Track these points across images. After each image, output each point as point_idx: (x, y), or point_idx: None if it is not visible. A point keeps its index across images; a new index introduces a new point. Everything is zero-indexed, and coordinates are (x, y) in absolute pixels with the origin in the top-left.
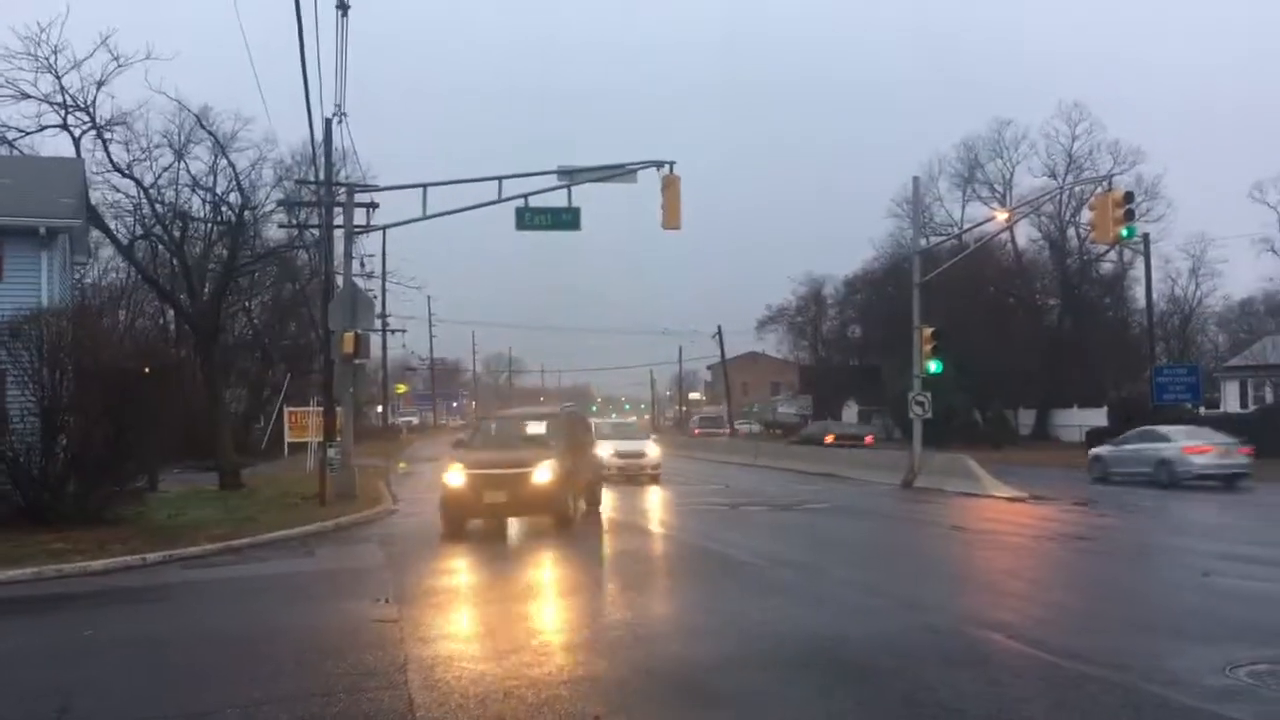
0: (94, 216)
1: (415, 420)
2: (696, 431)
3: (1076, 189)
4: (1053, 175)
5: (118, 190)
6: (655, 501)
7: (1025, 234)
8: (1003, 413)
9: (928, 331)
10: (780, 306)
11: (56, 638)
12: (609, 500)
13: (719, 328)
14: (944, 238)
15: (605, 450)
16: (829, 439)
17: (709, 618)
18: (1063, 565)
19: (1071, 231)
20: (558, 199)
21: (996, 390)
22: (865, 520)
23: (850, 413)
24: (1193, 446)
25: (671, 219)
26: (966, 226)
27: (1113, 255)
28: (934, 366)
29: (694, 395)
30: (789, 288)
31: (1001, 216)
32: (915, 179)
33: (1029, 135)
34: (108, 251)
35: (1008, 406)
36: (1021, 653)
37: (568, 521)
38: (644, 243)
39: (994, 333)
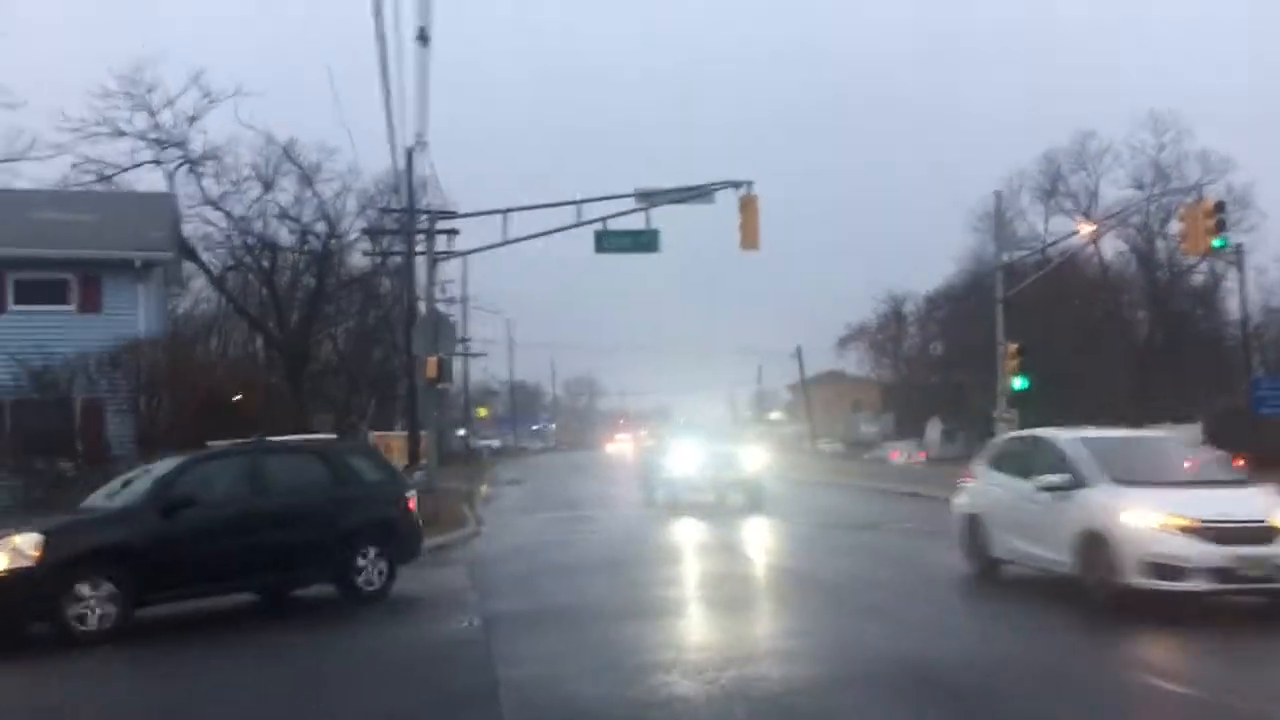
0: (186, 249)
1: (496, 443)
2: None
3: (1164, 199)
4: (1139, 186)
5: (209, 223)
6: (737, 522)
7: (1112, 247)
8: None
9: (1012, 347)
10: (860, 324)
11: (155, 667)
12: (685, 522)
13: (798, 347)
14: (1027, 252)
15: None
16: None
17: (799, 640)
18: None
19: (1160, 243)
20: (636, 221)
21: (1084, 407)
22: (949, 542)
23: (934, 429)
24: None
25: (750, 239)
26: (1050, 240)
27: (1204, 267)
28: (1019, 383)
29: (774, 415)
30: (869, 305)
31: (1086, 229)
32: (996, 193)
33: (1113, 146)
34: (199, 282)
35: (1093, 421)
36: (1148, 685)
37: None
38: (723, 264)
39: (1081, 348)
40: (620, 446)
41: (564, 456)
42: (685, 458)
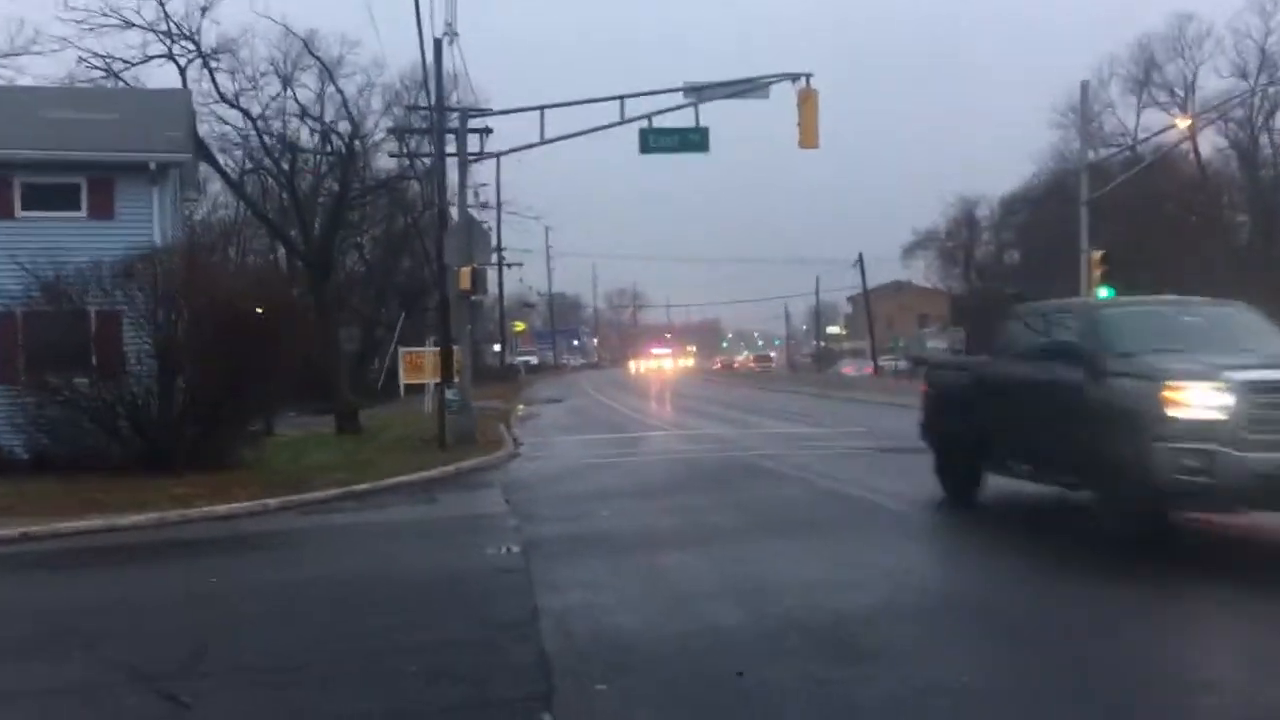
0: (203, 150)
1: (534, 359)
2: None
3: (1271, 90)
4: (1243, 76)
5: (225, 122)
6: (794, 444)
7: (1210, 143)
8: None
9: (1096, 255)
10: (928, 230)
11: (183, 584)
12: (735, 442)
13: (859, 255)
14: (1115, 149)
15: None
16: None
17: (857, 571)
18: None
19: (1265, 139)
20: (684, 119)
21: None
22: None
23: None
24: None
25: (808, 137)
26: (1142, 137)
27: None
28: (1103, 294)
29: (832, 329)
30: (938, 209)
31: (1183, 124)
32: (1083, 84)
33: (1214, 31)
34: (216, 186)
35: None
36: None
37: None
38: (778, 165)
39: (1174, 255)
40: (657, 362)
41: (605, 374)
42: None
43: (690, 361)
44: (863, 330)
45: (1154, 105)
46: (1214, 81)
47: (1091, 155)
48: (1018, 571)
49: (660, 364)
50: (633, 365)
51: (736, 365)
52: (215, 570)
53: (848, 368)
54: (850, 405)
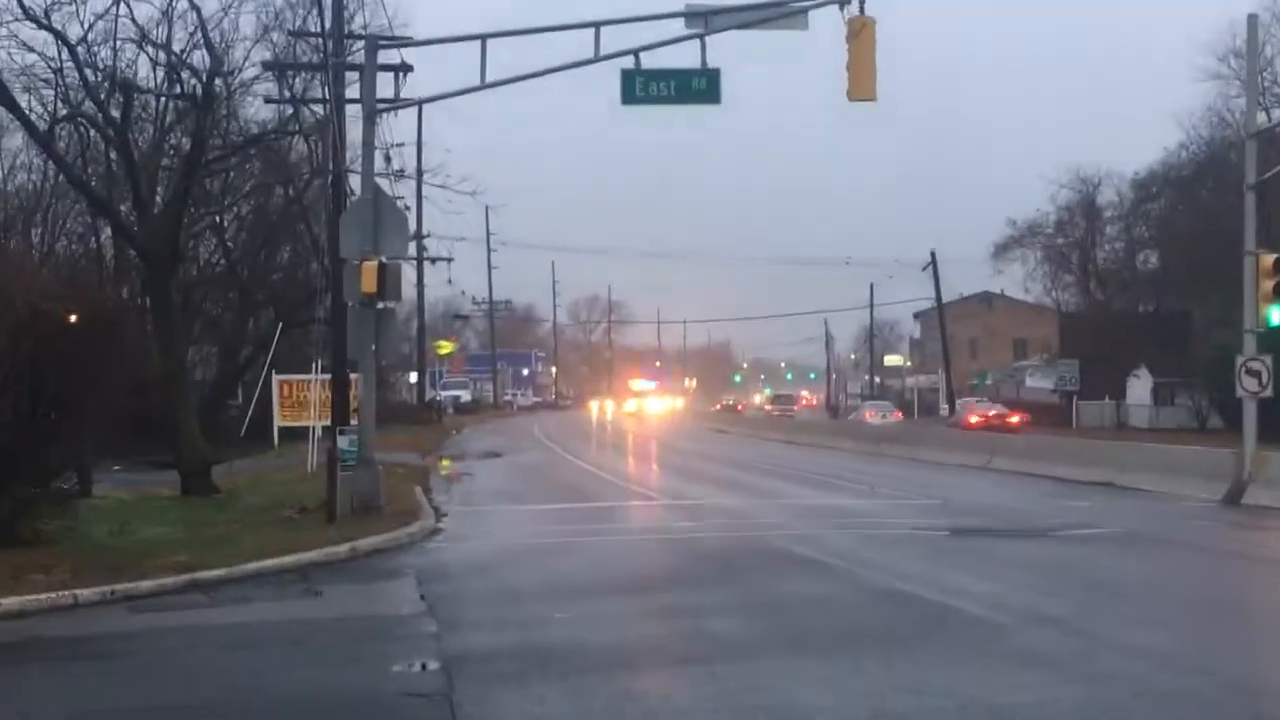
0: None
1: (466, 395)
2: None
3: None
4: None
5: (30, 49)
6: (832, 521)
7: None
8: None
9: (1268, 260)
10: (1030, 223)
11: None
12: (750, 516)
13: (932, 254)
14: None
15: None
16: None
17: (921, 700)
18: None
19: None
20: (685, 56)
21: None
22: (1164, 556)
23: (1141, 386)
24: None
25: (861, 84)
26: None
27: None
28: (1278, 315)
29: (892, 359)
30: (1044, 193)
31: None
32: (1251, 18)
33: None
34: (15, 140)
35: None
36: None
37: None
38: (818, 127)
39: None
40: (642, 401)
41: (567, 416)
42: None
43: (681, 402)
44: (934, 360)
45: None
46: None
47: (1262, 118)
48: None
49: (641, 404)
50: (595, 405)
51: (740, 408)
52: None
53: (869, 412)
54: (913, 468)
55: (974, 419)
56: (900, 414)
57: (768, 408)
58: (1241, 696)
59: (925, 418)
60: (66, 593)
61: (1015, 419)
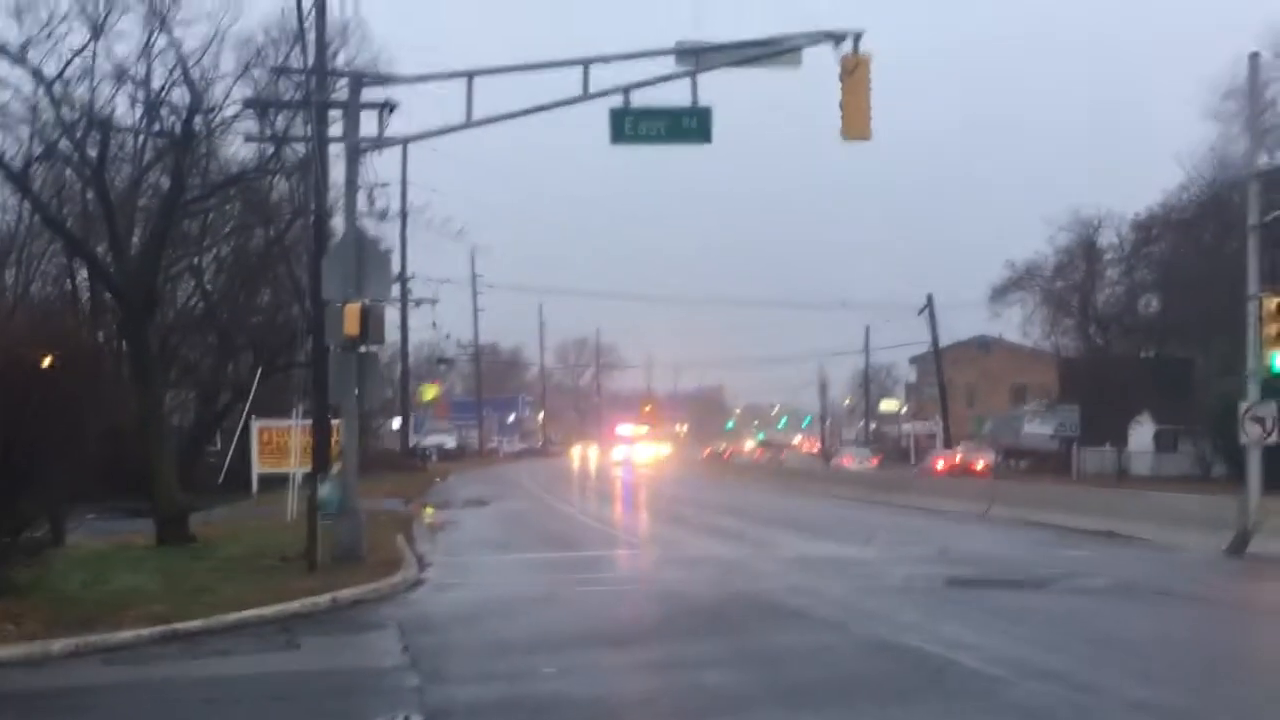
0: None
1: (451, 442)
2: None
3: None
4: None
5: (4, 86)
6: (827, 571)
7: None
8: None
9: (1272, 303)
10: (1029, 265)
11: None
12: (743, 566)
13: (929, 298)
14: None
15: None
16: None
17: None
18: None
19: None
20: (677, 95)
21: None
22: (1167, 608)
23: (1143, 433)
24: None
25: (855, 123)
26: None
27: None
28: None
29: (888, 404)
30: (1043, 235)
31: None
32: (1252, 57)
33: None
34: None
35: None
36: None
37: None
38: (811, 167)
39: None
40: (632, 447)
41: (553, 463)
42: None
43: (667, 447)
44: (931, 406)
45: None
46: None
47: (1264, 158)
48: None
49: (630, 450)
50: (579, 452)
51: (727, 455)
52: None
53: (847, 457)
54: (910, 515)
55: (940, 465)
56: (877, 460)
57: (756, 454)
58: None
59: (919, 464)
60: (38, 644)
61: (980, 465)
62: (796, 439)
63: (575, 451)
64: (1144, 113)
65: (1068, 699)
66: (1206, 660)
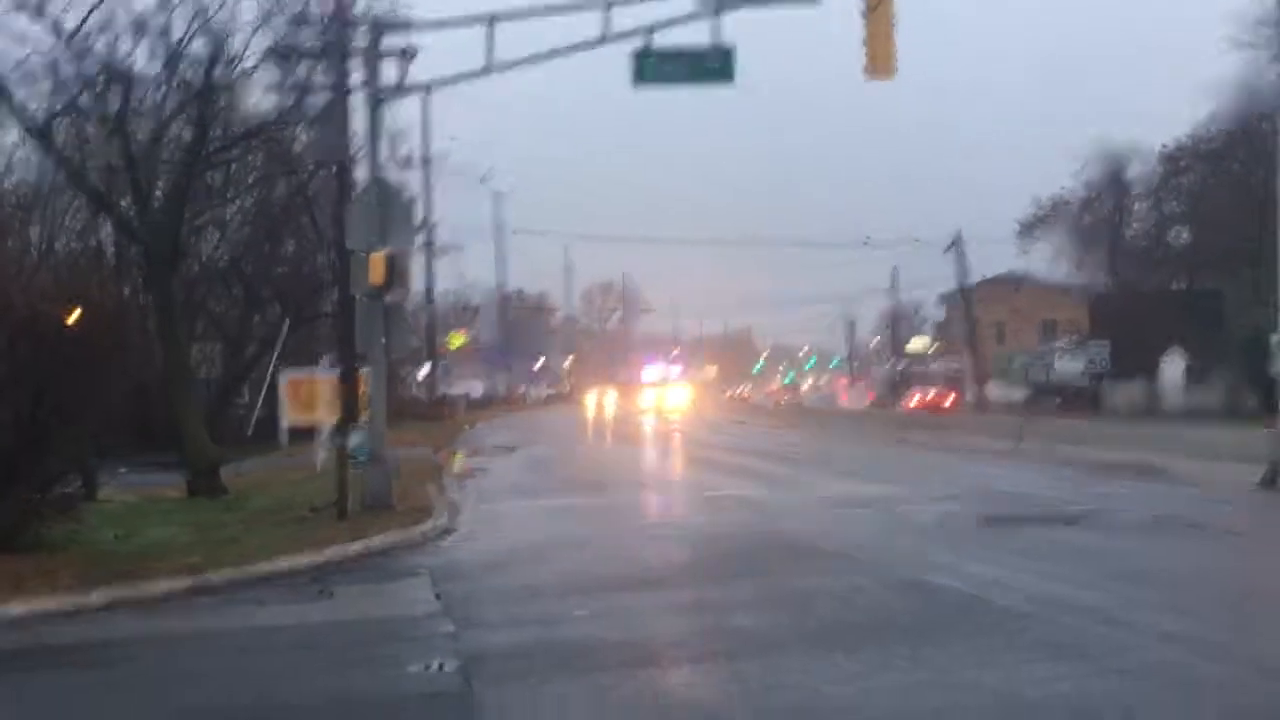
0: None
1: (479, 388)
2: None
3: None
4: None
5: (25, 43)
6: (856, 511)
7: None
8: None
9: None
10: (1057, 200)
11: None
12: (773, 507)
13: (957, 234)
14: None
15: None
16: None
17: (951, 695)
18: None
19: None
20: (699, 35)
21: None
22: (1199, 542)
23: (1173, 367)
24: None
25: (879, 60)
26: None
27: None
28: None
29: (916, 343)
30: (1070, 170)
31: None
32: None
33: None
34: (11, 136)
35: None
36: None
37: None
38: (835, 106)
39: None
40: (661, 391)
41: (580, 408)
42: None
43: (690, 391)
44: (960, 344)
45: None
46: None
47: None
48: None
49: (659, 394)
50: (600, 397)
51: (748, 397)
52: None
53: (844, 394)
54: (939, 454)
55: (913, 402)
56: (872, 394)
57: (777, 396)
58: (1274, 682)
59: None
60: (73, 598)
61: (948, 402)
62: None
63: (590, 398)
64: (1172, 44)
65: (1099, 634)
66: (1239, 594)
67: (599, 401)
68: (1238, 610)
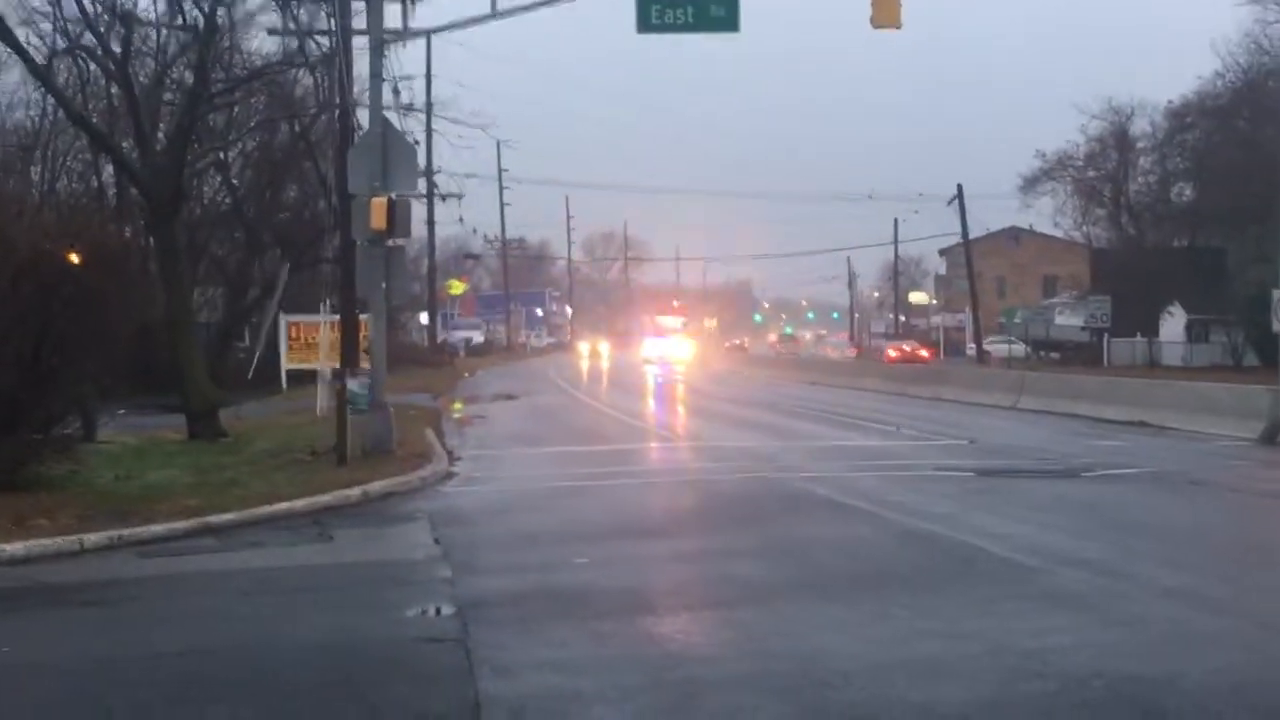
0: None
1: (479, 336)
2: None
3: None
4: None
5: None
6: (855, 462)
7: None
8: None
9: None
10: (1060, 154)
11: None
12: (771, 457)
13: (959, 189)
14: None
15: None
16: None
17: (950, 644)
18: None
19: None
20: None
21: None
22: (1198, 497)
23: (1174, 323)
24: None
25: (885, 10)
26: None
27: None
28: None
29: (917, 296)
30: (1074, 124)
31: None
32: None
33: None
34: (13, 76)
35: None
36: None
37: None
38: (842, 57)
39: None
40: (664, 340)
41: (580, 357)
42: None
43: (692, 342)
44: (961, 298)
45: None
46: None
47: None
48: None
49: (662, 344)
50: (593, 346)
51: (745, 347)
52: (3, 639)
53: (829, 348)
54: (938, 408)
55: (892, 354)
56: (856, 350)
57: (776, 347)
58: (1267, 635)
59: (951, 357)
60: (73, 538)
61: (925, 353)
62: (813, 334)
63: (591, 347)
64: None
65: (1098, 585)
66: (1237, 548)
67: (599, 350)
68: (1235, 565)
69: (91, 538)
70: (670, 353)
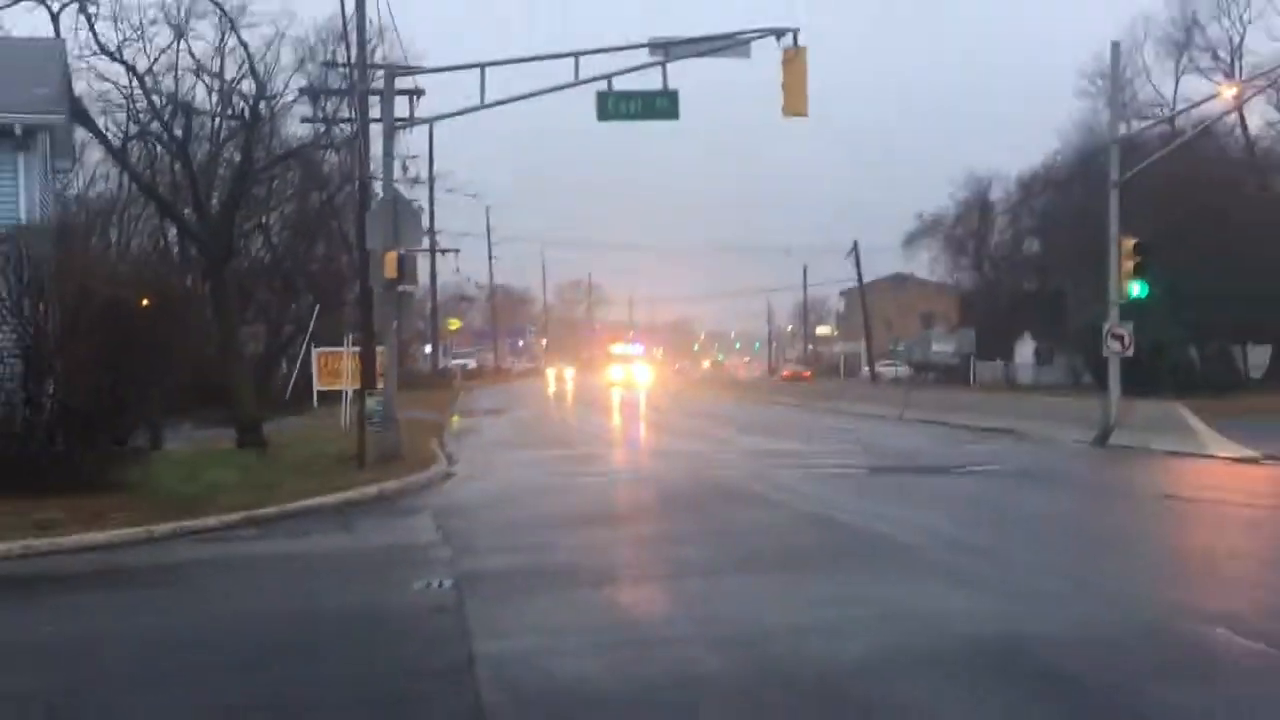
0: (78, 112)
1: (472, 363)
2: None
3: None
4: None
5: (105, 79)
6: (775, 462)
7: (1261, 115)
8: (1227, 349)
9: (1129, 244)
10: (934, 216)
11: (41, 631)
12: (709, 459)
13: (855, 243)
14: (1151, 121)
15: None
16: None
17: (849, 609)
18: None
19: None
20: (650, 80)
21: (1220, 321)
22: (1049, 488)
23: (1026, 350)
24: None
25: (795, 102)
26: (1180, 107)
27: None
28: (1137, 290)
29: (823, 329)
30: (945, 191)
31: (1228, 93)
32: (1114, 45)
33: None
34: (94, 155)
35: (1235, 341)
36: (1260, 654)
37: None
38: (760, 138)
39: (1217, 246)
40: (626, 367)
41: (552, 381)
42: None
43: (650, 367)
44: (857, 330)
45: (1195, 71)
46: (1265, 44)
47: (1123, 128)
48: (1078, 608)
49: (627, 369)
50: (562, 371)
51: (685, 373)
52: (86, 612)
53: (726, 365)
54: (838, 418)
55: (786, 373)
56: (769, 369)
57: (709, 369)
58: (1105, 601)
59: (849, 378)
60: (144, 529)
61: (807, 374)
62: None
63: (561, 372)
64: (1030, 89)
65: (971, 562)
66: (1078, 526)
67: (567, 375)
68: (1076, 542)
69: (159, 528)
70: (632, 376)
